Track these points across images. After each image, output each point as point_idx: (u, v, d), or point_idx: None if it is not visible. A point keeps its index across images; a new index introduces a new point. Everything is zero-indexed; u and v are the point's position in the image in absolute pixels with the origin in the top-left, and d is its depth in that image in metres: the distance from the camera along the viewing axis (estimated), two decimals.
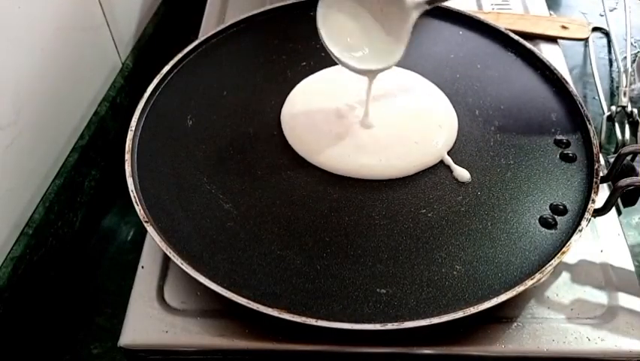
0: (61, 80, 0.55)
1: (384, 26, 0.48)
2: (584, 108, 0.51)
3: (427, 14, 0.61)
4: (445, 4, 0.62)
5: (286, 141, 0.50)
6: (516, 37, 0.58)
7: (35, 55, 0.51)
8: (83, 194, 0.59)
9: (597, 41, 0.77)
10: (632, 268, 0.45)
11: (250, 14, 0.61)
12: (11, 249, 0.50)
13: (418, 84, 0.56)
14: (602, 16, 0.80)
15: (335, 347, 0.41)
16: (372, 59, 0.47)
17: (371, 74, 0.48)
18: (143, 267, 0.46)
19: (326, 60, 0.57)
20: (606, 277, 0.45)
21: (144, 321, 0.43)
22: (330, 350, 0.41)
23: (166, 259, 0.45)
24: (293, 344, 0.41)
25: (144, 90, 0.53)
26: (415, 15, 0.47)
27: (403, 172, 0.48)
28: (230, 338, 0.41)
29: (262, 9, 0.61)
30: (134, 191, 0.45)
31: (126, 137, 0.49)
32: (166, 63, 0.55)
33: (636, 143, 0.62)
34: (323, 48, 0.58)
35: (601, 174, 0.47)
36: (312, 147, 0.50)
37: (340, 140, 0.50)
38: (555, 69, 0.55)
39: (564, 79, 0.55)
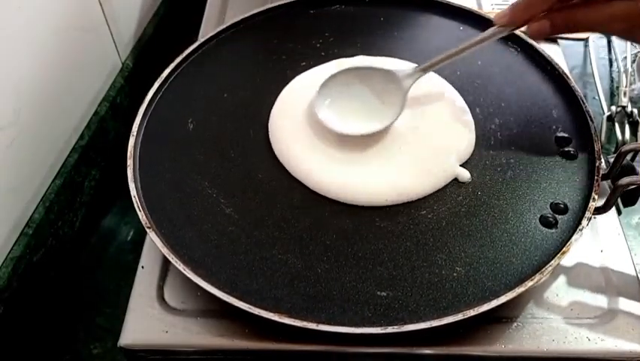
0: (61, 80, 0.55)
1: (380, 98, 0.50)
2: (586, 104, 0.51)
3: (426, 11, 0.62)
4: None
5: None
6: (517, 32, 0.58)
7: (35, 55, 0.51)
8: (83, 194, 0.59)
9: (597, 41, 0.77)
10: (632, 269, 0.45)
11: (250, 14, 0.61)
12: (11, 249, 0.50)
13: (434, 84, 0.54)
14: None
15: (335, 347, 0.41)
16: (369, 123, 0.49)
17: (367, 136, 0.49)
18: (143, 267, 0.46)
19: (326, 60, 0.57)
20: (606, 278, 0.45)
21: (144, 321, 0.43)
22: (330, 350, 0.41)
23: (166, 260, 0.45)
24: (293, 344, 0.41)
25: (144, 90, 0.53)
26: (409, 84, 0.50)
27: (408, 199, 0.46)
28: (230, 338, 0.41)
29: (262, 8, 0.61)
30: (136, 197, 0.45)
31: (126, 137, 0.49)
32: (166, 63, 0.55)
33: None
34: (322, 47, 0.58)
35: (602, 173, 0.47)
36: (302, 168, 0.48)
37: (334, 159, 0.48)
38: (557, 64, 0.55)
39: (565, 74, 0.54)
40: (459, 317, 0.39)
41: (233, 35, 0.59)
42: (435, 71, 0.55)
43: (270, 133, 0.51)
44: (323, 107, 0.50)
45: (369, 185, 0.46)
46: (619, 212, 0.48)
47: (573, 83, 0.53)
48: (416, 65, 0.50)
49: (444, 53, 0.49)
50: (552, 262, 0.41)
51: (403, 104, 0.49)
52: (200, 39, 0.58)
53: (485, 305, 0.39)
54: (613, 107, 0.66)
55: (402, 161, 0.48)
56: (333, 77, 0.50)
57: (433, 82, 0.54)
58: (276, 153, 0.49)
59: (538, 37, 0.46)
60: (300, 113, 0.51)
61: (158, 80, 0.54)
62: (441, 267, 0.42)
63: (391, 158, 0.48)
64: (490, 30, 0.47)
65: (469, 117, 0.52)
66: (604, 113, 0.66)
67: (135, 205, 0.45)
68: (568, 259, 0.45)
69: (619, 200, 0.47)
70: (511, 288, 0.40)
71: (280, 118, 0.51)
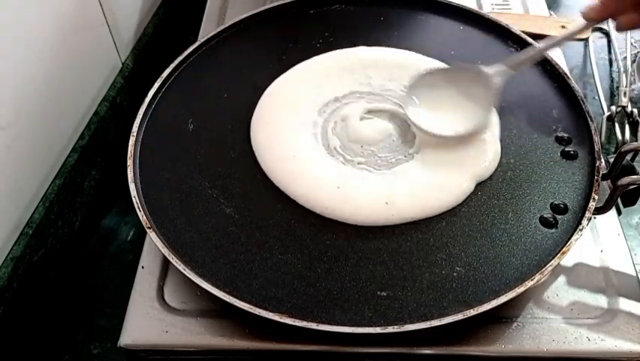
0: (61, 80, 0.55)
1: (469, 97, 0.50)
2: (586, 104, 0.51)
3: (426, 10, 0.62)
4: None
5: None
6: (517, 32, 0.58)
7: (35, 55, 0.51)
8: (83, 194, 0.59)
9: (597, 41, 0.77)
10: (632, 269, 0.45)
11: (250, 14, 0.61)
12: (11, 249, 0.50)
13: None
14: None
15: (335, 347, 0.41)
16: (458, 123, 0.49)
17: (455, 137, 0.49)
18: (143, 267, 0.46)
19: None
20: (606, 278, 0.45)
21: (144, 321, 0.43)
22: (330, 350, 0.41)
23: (166, 260, 0.45)
24: (293, 344, 0.41)
25: (144, 90, 0.53)
26: (498, 82, 0.49)
27: (408, 220, 0.45)
28: (230, 338, 0.41)
29: (262, 8, 0.61)
30: (137, 197, 0.45)
31: (126, 137, 0.49)
32: (166, 63, 0.55)
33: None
34: (322, 47, 0.58)
35: (602, 173, 0.47)
36: (288, 181, 0.47)
37: (319, 172, 0.47)
38: (557, 64, 0.55)
39: (566, 74, 0.54)
40: (459, 316, 0.39)
41: (233, 35, 0.59)
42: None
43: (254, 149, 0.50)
44: (413, 107, 0.50)
45: (368, 207, 0.45)
46: (619, 212, 0.48)
47: (573, 83, 0.53)
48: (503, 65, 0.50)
49: (531, 51, 0.50)
50: (552, 262, 0.42)
51: (492, 103, 0.49)
52: (200, 39, 0.58)
53: (485, 305, 0.39)
54: (613, 107, 0.66)
55: (414, 179, 0.47)
56: (420, 78, 0.51)
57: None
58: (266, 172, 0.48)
59: (627, 30, 0.47)
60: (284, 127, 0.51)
61: (158, 80, 0.54)
62: (441, 267, 0.42)
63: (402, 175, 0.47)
64: (577, 24, 0.47)
65: (495, 136, 0.50)
66: (604, 113, 0.66)
67: (135, 205, 0.45)
68: (568, 259, 0.45)
69: (619, 200, 0.47)
70: (511, 288, 0.40)
71: (261, 132, 0.51)
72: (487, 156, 0.48)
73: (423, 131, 0.49)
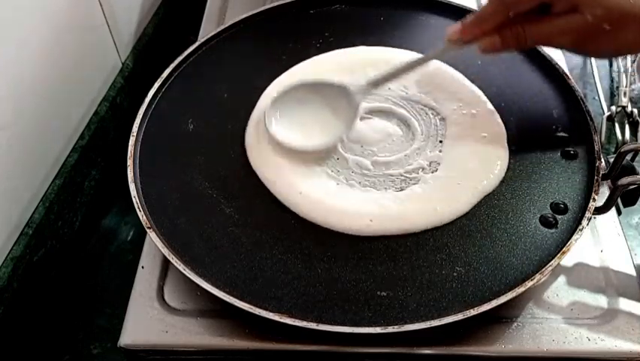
0: (61, 80, 0.55)
1: (334, 112, 0.50)
2: (586, 104, 0.51)
3: (426, 10, 0.62)
4: None
5: None
6: None
7: (35, 55, 0.51)
8: (83, 194, 0.59)
9: None
10: (632, 269, 0.45)
11: (250, 14, 0.61)
12: (11, 249, 0.50)
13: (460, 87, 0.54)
14: None
15: (335, 347, 0.41)
16: (322, 136, 0.48)
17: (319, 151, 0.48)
18: (143, 267, 0.46)
19: None
20: (606, 278, 0.45)
21: (144, 321, 0.43)
22: (330, 350, 0.41)
23: (166, 260, 0.45)
24: (293, 344, 0.41)
25: (144, 90, 0.53)
26: (360, 99, 0.50)
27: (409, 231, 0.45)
28: (230, 338, 0.42)
29: (262, 8, 0.61)
30: (137, 197, 0.45)
31: (126, 137, 0.49)
32: (166, 63, 0.55)
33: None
34: (322, 47, 0.58)
35: (602, 173, 0.47)
36: (282, 188, 0.46)
37: (317, 181, 0.47)
38: (557, 64, 0.55)
39: (565, 74, 0.54)
40: (459, 316, 0.39)
41: (233, 35, 0.59)
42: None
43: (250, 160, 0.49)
44: (274, 121, 0.49)
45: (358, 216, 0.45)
46: (619, 212, 0.48)
47: (573, 83, 0.53)
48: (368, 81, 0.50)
49: (394, 68, 0.49)
50: (552, 262, 0.42)
51: (354, 119, 0.49)
52: (200, 39, 0.58)
53: (485, 305, 0.39)
54: (613, 107, 0.66)
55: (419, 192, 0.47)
56: (287, 91, 0.50)
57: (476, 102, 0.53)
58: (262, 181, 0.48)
59: (490, 53, 0.46)
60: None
61: (158, 80, 0.54)
62: (441, 267, 0.42)
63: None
64: (442, 47, 0.48)
65: (504, 145, 0.50)
66: (604, 113, 0.66)
67: (135, 205, 0.45)
68: (568, 259, 0.45)
69: (619, 200, 0.47)
70: (511, 288, 0.40)
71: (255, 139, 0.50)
72: (495, 170, 0.47)
73: (282, 145, 0.48)
